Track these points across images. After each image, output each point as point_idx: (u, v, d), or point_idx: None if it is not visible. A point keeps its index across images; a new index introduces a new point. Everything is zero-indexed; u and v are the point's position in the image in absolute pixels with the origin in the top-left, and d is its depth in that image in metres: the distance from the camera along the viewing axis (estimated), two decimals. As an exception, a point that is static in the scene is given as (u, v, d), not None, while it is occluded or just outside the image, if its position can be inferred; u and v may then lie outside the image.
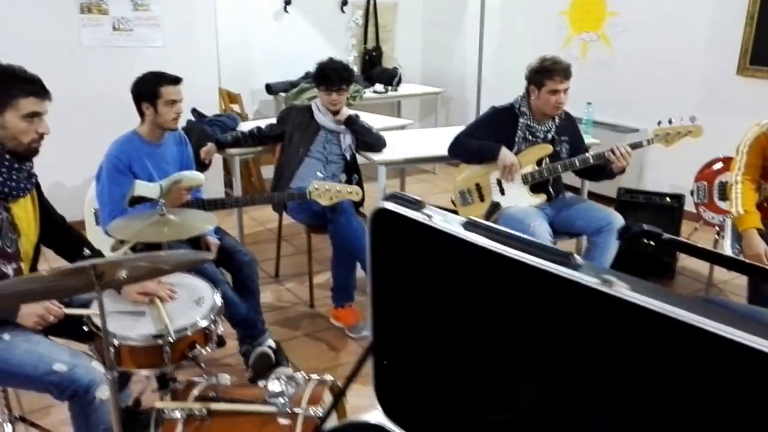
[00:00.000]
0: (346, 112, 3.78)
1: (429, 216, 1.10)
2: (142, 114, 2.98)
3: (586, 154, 3.43)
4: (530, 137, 3.45)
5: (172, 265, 2.01)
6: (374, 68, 6.58)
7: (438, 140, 4.33)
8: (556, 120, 3.48)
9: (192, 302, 2.22)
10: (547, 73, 3.27)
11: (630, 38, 5.36)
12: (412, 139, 4.24)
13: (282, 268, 4.17)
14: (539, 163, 3.47)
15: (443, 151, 3.99)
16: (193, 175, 3.06)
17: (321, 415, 1.90)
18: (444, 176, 6.44)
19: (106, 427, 1.99)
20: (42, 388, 1.99)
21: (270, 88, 5.91)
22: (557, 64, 3.29)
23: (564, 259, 0.91)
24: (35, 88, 2.02)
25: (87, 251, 2.32)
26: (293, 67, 6.03)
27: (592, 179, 3.77)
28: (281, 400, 1.94)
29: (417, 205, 1.14)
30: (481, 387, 1.14)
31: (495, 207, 3.51)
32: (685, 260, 4.21)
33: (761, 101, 4.45)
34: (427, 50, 7.07)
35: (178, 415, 1.91)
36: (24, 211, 2.13)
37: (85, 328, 2.08)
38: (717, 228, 3.51)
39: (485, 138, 3.49)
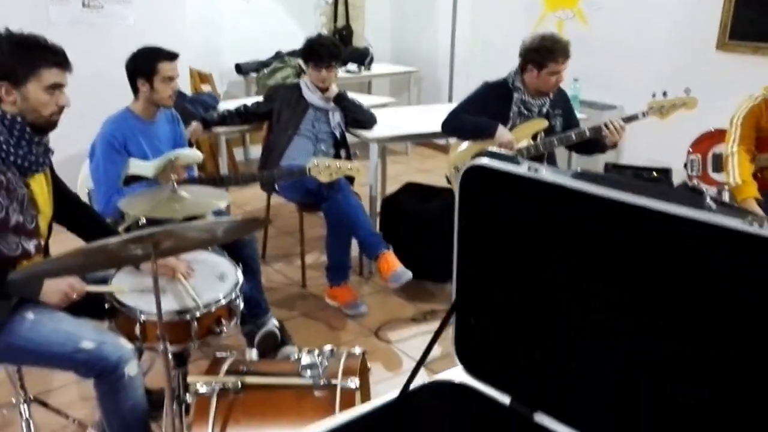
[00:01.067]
0: (335, 89, 3.74)
1: (535, 169, 1.08)
2: (136, 90, 2.88)
3: (582, 128, 3.46)
4: (525, 112, 3.47)
5: (225, 233, 1.94)
6: (345, 47, 6.48)
7: (416, 118, 4.36)
8: (550, 94, 3.50)
9: (215, 278, 2.17)
10: (549, 54, 3.26)
11: (607, 15, 5.37)
12: (391, 118, 4.19)
13: (268, 250, 4.11)
14: (534, 137, 3.50)
15: (424, 128, 4.01)
16: (190, 153, 2.98)
17: (358, 386, 1.89)
18: (416, 157, 6.44)
19: (134, 403, 1.94)
20: (69, 367, 1.92)
21: (240, 68, 5.79)
22: (558, 43, 3.27)
23: (696, 199, 0.90)
24: (59, 58, 1.93)
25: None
26: (262, 46, 5.92)
27: (584, 153, 3.80)
28: (317, 372, 1.91)
29: (513, 160, 1.13)
30: (572, 340, 1.14)
31: (489, 182, 3.52)
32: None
33: (741, 76, 4.55)
34: (397, 28, 7.02)
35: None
36: (40, 187, 2.05)
37: (107, 305, 2.01)
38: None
39: (480, 114, 3.49)
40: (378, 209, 3.88)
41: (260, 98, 3.92)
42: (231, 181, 3.19)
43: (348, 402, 1.85)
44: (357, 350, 2.09)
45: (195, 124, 3.68)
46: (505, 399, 1.25)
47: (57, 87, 1.94)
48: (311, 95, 3.69)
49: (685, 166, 3.71)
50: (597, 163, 4.80)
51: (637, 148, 5.27)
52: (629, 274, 1.02)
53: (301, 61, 5.69)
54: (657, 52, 5.09)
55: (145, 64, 2.82)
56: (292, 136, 3.67)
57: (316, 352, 1.99)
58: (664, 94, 3.37)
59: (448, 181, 3.67)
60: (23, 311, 1.93)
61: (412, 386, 1.29)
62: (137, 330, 1.95)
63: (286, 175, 3.39)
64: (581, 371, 1.15)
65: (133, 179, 2.85)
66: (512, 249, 1.17)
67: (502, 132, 3.41)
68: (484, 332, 1.27)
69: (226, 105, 4.18)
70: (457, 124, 3.55)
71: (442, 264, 3.73)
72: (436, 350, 3.07)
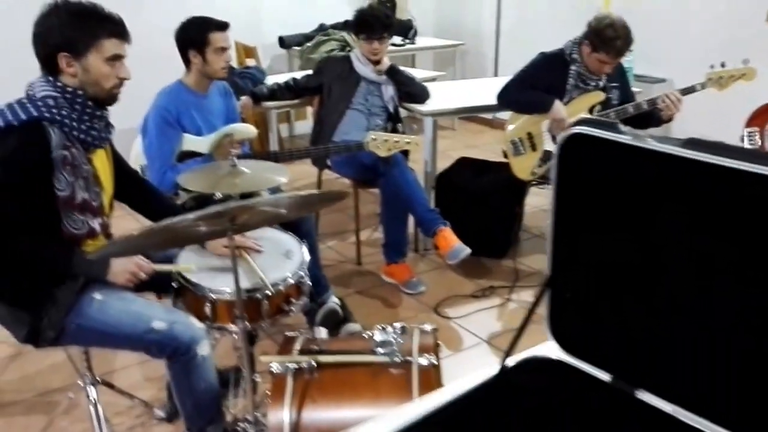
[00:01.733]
0: (388, 61, 3.64)
1: (642, 138, 1.02)
2: (187, 62, 2.82)
3: (640, 101, 3.34)
4: (581, 85, 3.35)
5: (300, 208, 1.88)
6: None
7: (463, 92, 4.24)
8: (605, 67, 3.38)
9: (281, 255, 2.12)
10: (604, 45, 3.12)
11: (656, -15, 5.22)
12: (439, 92, 4.07)
13: (320, 227, 4.06)
14: (590, 110, 3.38)
15: (473, 102, 3.90)
16: (244, 128, 2.92)
17: (435, 362, 1.83)
18: (463, 132, 6.32)
19: (207, 383, 1.91)
20: (141, 347, 1.89)
21: (283, 42, 5.70)
22: (618, 40, 3.09)
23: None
24: (118, 28, 1.86)
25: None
26: (305, 19, 5.82)
27: (639, 127, 3.65)
28: (391, 349, 1.85)
29: (614, 128, 1.05)
30: (677, 310, 1.08)
31: (548, 156, 3.41)
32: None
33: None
34: (441, 1, 6.87)
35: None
36: (102, 163, 2.00)
37: (174, 285, 1.97)
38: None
39: (535, 86, 3.38)
40: (432, 185, 3.80)
41: (308, 72, 3.84)
42: (286, 156, 3.13)
43: (426, 379, 1.79)
44: (428, 327, 2.03)
45: (245, 99, 3.63)
46: (605, 376, 1.20)
47: (117, 58, 1.87)
48: (363, 68, 3.60)
49: (742, 139, 3.57)
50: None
51: (685, 122, 5.10)
52: (738, 237, 0.97)
53: (345, 34, 5.63)
54: (706, 24, 4.92)
55: (197, 35, 2.76)
56: (345, 110, 3.60)
57: (389, 328, 1.94)
58: (722, 64, 3.24)
59: (504, 155, 3.57)
60: (90, 291, 1.90)
61: (513, 361, 1.23)
62: (207, 310, 1.91)
63: (343, 150, 3.31)
64: (686, 345, 1.10)
65: (187, 155, 2.82)
66: (614, 217, 1.11)
67: (558, 108, 3.29)
68: (581, 307, 1.20)
69: (272, 79, 4.12)
70: (513, 98, 3.44)
71: (498, 239, 3.73)
72: (496, 326, 3.05)
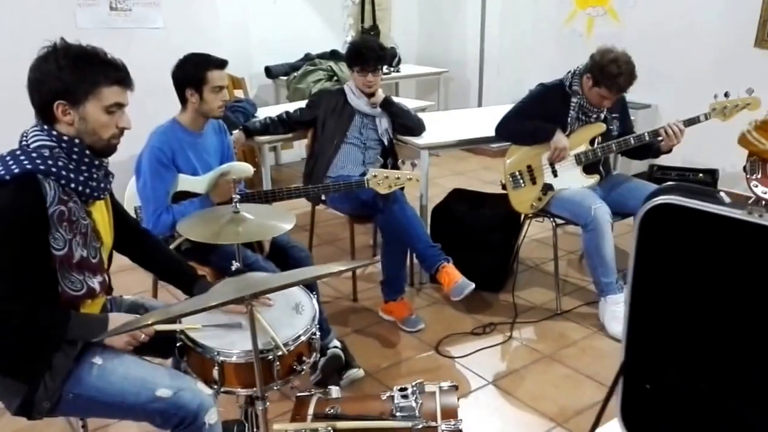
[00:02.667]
0: (382, 94, 3.57)
1: (740, 205, 0.92)
2: (184, 101, 2.71)
3: (642, 132, 3.30)
4: (583, 117, 3.31)
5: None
6: None
7: (453, 122, 4.19)
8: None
9: (290, 309, 2.01)
10: (607, 80, 3.08)
11: (640, 11, 5.23)
12: (432, 123, 3.99)
13: (314, 261, 3.93)
14: (592, 142, 3.34)
15: (466, 132, 3.83)
16: (241, 167, 2.81)
17: (460, 428, 1.73)
18: (448, 159, 6.26)
19: (215, 453, 1.78)
20: (144, 418, 1.76)
21: (270, 72, 5.62)
22: (621, 77, 3.05)
23: None
24: (120, 74, 1.74)
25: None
26: (291, 49, 5.75)
27: (637, 158, 3.64)
28: (413, 413, 1.75)
29: (716, 198, 0.96)
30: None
31: (548, 189, 3.35)
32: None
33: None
34: (424, 29, 6.84)
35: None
36: (101, 215, 1.87)
37: (178, 344, 1.85)
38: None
39: (535, 117, 3.33)
40: (426, 217, 3.72)
41: (301, 105, 3.75)
42: (284, 195, 3.02)
43: (451, 446, 1.70)
44: (445, 384, 1.93)
45: (237, 133, 3.53)
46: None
47: (118, 107, 1.76)
48: (357, 101, 3.52)
49: (744, 169, 3.54)
50: (642, 164, 4.63)
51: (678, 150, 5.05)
52: None
53: (332, 64, 5.56)
54: (693, 49, 4.93)
55: (194, 73, 2.65)
56: (340, 145, 3.51)
57: (408, 389, 1.84)
58: (726, 94, 3.20)
59: (503, 188, 3.50)
60: (89, 356, 1.77)
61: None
62: (215, 373, 1.79)
63: (343, 188, 3.21)
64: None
65: (183, 195, 2.70)
66: (703, 295, 1.01)
67: (559, 137, 3.25)
68: (658, 399, 1.11)
69: (261, 111, 4.01)
70: (514, 128, 3.39)
71: (496, 273, 3.65)
72: (500, 366, 2.96)
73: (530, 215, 3.55)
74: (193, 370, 1.83)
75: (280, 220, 2.13)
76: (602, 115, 3.32)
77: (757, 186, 3.49)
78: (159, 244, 2.15)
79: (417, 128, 3.66)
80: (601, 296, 3.29)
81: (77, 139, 1.74)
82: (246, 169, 2.82)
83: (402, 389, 1.83)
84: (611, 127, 3.36)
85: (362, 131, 3.55)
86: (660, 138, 3.24)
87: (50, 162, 1.68)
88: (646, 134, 3.27)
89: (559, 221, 3.46)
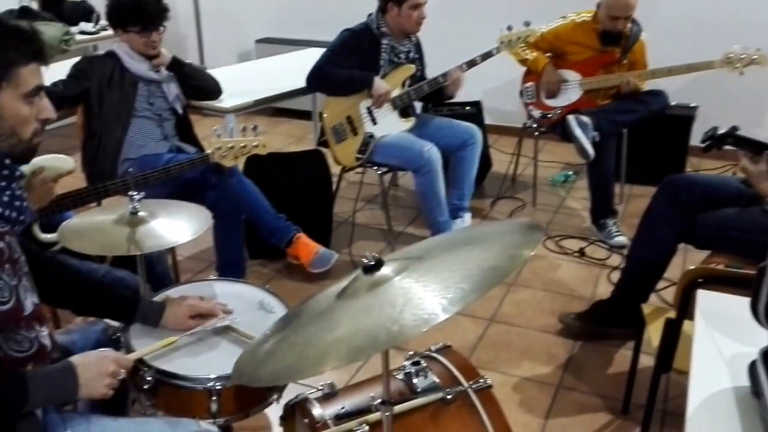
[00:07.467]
0: (168, 54, 3.07)
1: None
2: None
3: (448, 70, 3.37)
4: (395, 59, 3.29)
5: None
6: (61, 3, 5.28)
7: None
8: (413, 38, 3.36)
9: (256, 310, 1.65)
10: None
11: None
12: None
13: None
14: (403, 84, 3.34)
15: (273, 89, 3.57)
16: (57, 160, 2.19)
17: (489, 381, 1.62)
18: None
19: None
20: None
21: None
22: None
23: None
24: (37, 46, 1.25)
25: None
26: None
27: (430, 101, 3.76)
28: (435, 383, 1.59)
29: None
30: None
31: (369, 138, 3.28)
32: None
33: None
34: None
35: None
36: None
37: (146, 386, 1.40)
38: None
39: (347, 65, 3.20)
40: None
41: (61, 78, 3.05)
42: (119, 188, 2.44)
43: (490, 405, 1.58)
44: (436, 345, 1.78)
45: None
46: None
47: (37, 92, 1.27)
48: (137, 65, 2.97)
49: (521, 93, 3.87)
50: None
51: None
52: None
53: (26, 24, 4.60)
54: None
55: None
56: (129, 120, 2.96)
57: (407, 364, 1.66)
58: (509, 27, 3.40)
59: (326, 145, 3.32)
60: (57, 429, 1.26)
61: None
62: (213, 406, 1.39)
63: (186, 167, 2.66)
64: None
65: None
66: None
67: (379, 84, 3.20)
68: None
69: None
70: (329, 79, 3.23)
71: (322, 232, 3.43)
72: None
73: (353, 167, 3.41)
74: (180, 411, 1.40)
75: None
76: (411, 56, 3.33)
77: (533, 110, 3.85)
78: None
79: (214, 91, 3.25)
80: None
81: None
82: (63, 163, 2.21)
83: (414, 362, 1.64)
84: (419, 68, 3.39)
85: (151, 101, 3.03)
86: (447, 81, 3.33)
87: None
88: (439, 77, 3.34)
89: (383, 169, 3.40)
